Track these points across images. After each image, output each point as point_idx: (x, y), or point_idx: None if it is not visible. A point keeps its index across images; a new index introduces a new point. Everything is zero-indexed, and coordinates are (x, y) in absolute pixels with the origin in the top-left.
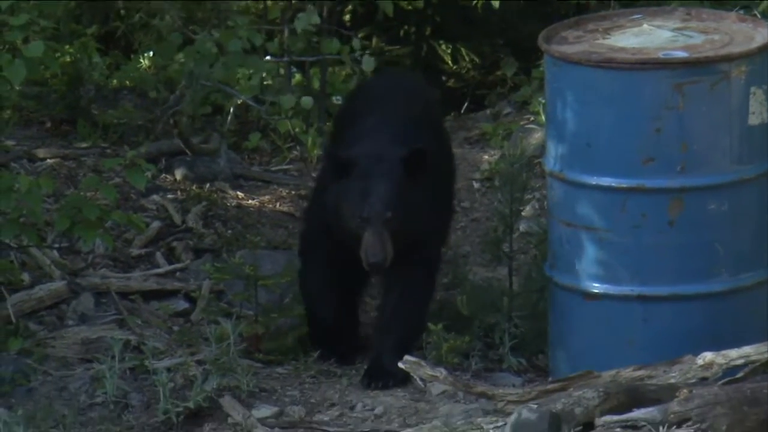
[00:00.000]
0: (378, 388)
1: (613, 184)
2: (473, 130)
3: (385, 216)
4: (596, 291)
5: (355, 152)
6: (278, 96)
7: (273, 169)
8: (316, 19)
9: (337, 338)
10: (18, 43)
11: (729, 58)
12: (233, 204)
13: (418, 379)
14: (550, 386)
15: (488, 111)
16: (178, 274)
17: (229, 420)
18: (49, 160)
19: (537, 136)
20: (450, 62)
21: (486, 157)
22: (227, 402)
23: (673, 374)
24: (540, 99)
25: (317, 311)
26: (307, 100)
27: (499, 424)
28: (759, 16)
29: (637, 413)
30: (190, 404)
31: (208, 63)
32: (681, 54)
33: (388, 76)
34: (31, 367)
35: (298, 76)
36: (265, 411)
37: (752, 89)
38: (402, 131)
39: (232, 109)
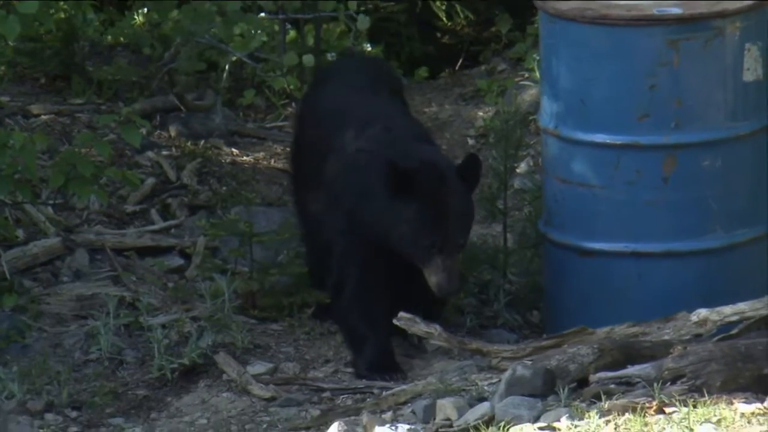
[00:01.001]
0: None
1: (607, 141)
2: (468, 87)
3: (459, 243)
4: (591, 248)
5: (409, 162)
6: (273, 53)
7: (268, 125)
8: None
9: (392, 358)
10: None
11: (723, 15)
12: (228, 160)
13: (413, 335)
14: (544, 343)
15: (483, 67)
16: (172, 230)
17: (224, 376)
18: (43, 117)
19: (531, 93)
20: (445, 19)
21: (480, 113)
22: (222, 358)
23: (668, 331)
24: (535, 56)
25: (376, 340)
26: (309, 58)
27: (494, 380)
28: None
29: (632, 370)
30: (185, 361)
31: (205, 21)
32: (675, 10)
33: (353, 61)
34: (26, 323)
35: (292, 33)
36: (259, 367)
37: (747, 45)
38: (413, 125)
39: (227, 66)
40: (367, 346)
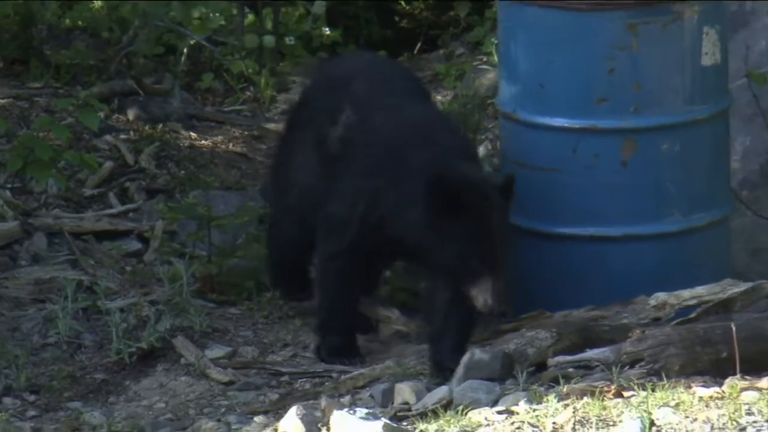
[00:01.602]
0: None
1: (565, 125)
2: (426, 71)
3: (505, 263)
4: (549, 232)
5: (456, 177)
6: (232, 37)
7: (226, 109)
8: None
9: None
10: None
11: None
12: (186, 144)
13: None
14: (503, 327)
15: (441, 51)
16: (130, 214)
17: (182, 360)
18: (1, 101)
19: (490, 77)
20: (403, 3)
21: (439, 97)
22: (180, 342)
23: (626, 315)
24: (493, 39)
25: (341, 325)
26: (270, 40)
27: None
28: None
29: (590, 353)
30: (143, 344)
31: (164, 4)
32: None
33: (361, 58)
34: None
35: (251, 17)
36: (218, 351)
37: (705, 29)
38: (460, 137)
39: (185, 50)
40: (331, 331)
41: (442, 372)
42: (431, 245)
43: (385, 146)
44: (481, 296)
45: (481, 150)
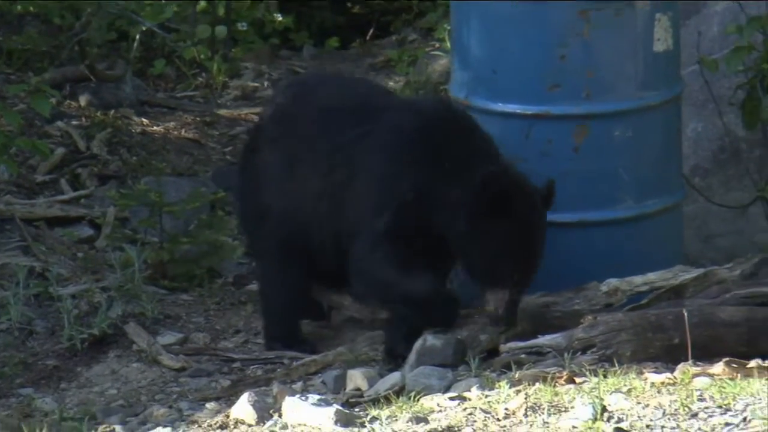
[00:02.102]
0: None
1: (518, 111)
2: (378, 57)
3: (532, 279)
4: None
5: (505, 183)
6: (184, 23)
7: (178, 95)
8: None
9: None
10: None
11: None
12: (138, 130)
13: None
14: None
15: (394, 37)
16: (82, 200)
17: (134, 347)
18: None
19: (442, 63)
20: None
21: (391, 83)
22: (132, 329)
23: (578, 301)
24: (445, 25)
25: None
26: (221, 30)
27: None
28: None
29: (542, 339)
30: (95, 331)
31: None
32: None
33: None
34: None
35: (203, 4)
36: (169, 338)
37: (657, 16)
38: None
39: (137, 36)
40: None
41: (394, 358)
42: (471, 242)
43: (421, 144)
44: (494, 303)
45: None
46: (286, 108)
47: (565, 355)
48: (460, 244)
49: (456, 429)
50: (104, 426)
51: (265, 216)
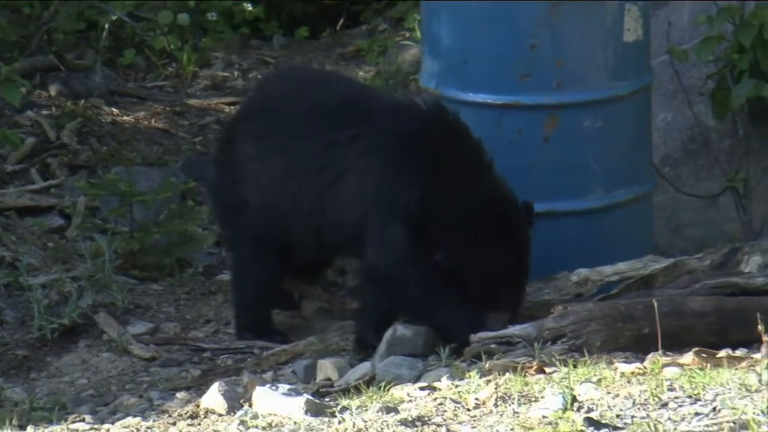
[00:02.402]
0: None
1: (488, 101)
2: (348, 47)
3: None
4: None
5: (503, 206)
6: (153, 13)
7: (148, 85)
8: None
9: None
10: None
11: None
12: (108, 120)
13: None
14: None
15: (364, 27)
16: (52, 190)
17: (104, 336)
18: None
19: (412, 53)
20: None
21: (361, 73)
22: (102, 318)
23: (548, 291)
24: (416, 15)
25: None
26: (184, 17)
27: None
28: None
29: (512, 329)
30: (65, 321)
31: None
32: None
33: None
34: None
35: None
36: (140, 327)
37: (627, 6)
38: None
39: (106, 26)
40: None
41: (364, 348)
42: (470, 263)
43: (419, 149)
44: (494, 324)
45: None
46: (270, 102)
47: (536, 345)
48: (458, 262)
49: (426, 419)
50: (74, 416)
51: (242, 208)
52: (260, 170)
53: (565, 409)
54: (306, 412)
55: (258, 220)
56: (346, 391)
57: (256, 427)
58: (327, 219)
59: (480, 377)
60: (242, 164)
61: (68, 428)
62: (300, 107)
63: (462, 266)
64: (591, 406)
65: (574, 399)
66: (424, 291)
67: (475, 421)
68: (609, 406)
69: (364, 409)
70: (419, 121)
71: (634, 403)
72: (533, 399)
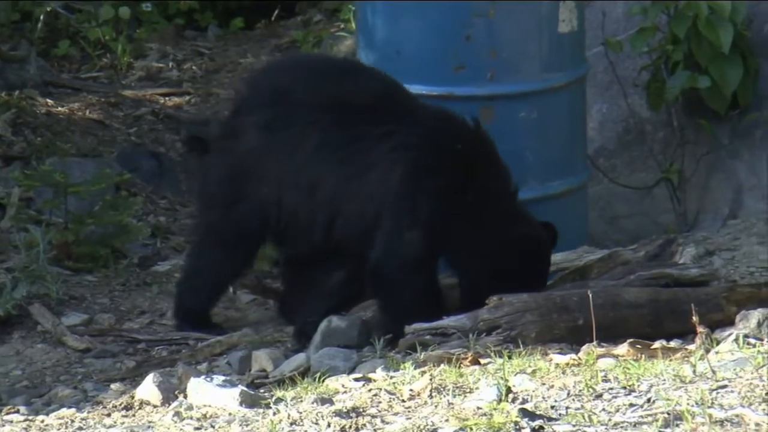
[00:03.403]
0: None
1: (423, 92)
2: (284, 38)
3: None
4: None
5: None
6: (88, 4)
7: (83, 76)
8: None
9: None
10: None
11: None
12: (43, 111)
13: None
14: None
15: (299, 18)
16: None
17: (39, 328)
18: None
19: (347, 44)
20: None
21: None
22: (36, 310)
23: None
24: (350, 6)
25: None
26: (125, 10)
27: None
28: None
29: (447, 320)
30: None
31: None
32: None
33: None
34: None
35: None
36: (74, 318)
37: None
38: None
39: (41, 16)
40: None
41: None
42: (482, 288)
43: (450, 161)
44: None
45: None
46: (284, 92)
47: (470, 336)
48: (473, 286)
49: (361, 410)
50: (8, 407)
51: (238, 201)
52: (272, 163)
53: (499, 401)
54: (241, 404)
55: (255, 216)
56: (281, 383)
57: (191, 418)
58: (342, 212)
59: (415, 368)
60: (244, 159)
61: (2, 420)
62: (325, 98)
63: (477, 290)
64: (526, 398)
65: (508, 390)
66: (420, 301)
67: (409, 412)
68: (544, 397)
69: (299, 400)
70: (460, 132)
71: (568, 394)
72: (468, 390)
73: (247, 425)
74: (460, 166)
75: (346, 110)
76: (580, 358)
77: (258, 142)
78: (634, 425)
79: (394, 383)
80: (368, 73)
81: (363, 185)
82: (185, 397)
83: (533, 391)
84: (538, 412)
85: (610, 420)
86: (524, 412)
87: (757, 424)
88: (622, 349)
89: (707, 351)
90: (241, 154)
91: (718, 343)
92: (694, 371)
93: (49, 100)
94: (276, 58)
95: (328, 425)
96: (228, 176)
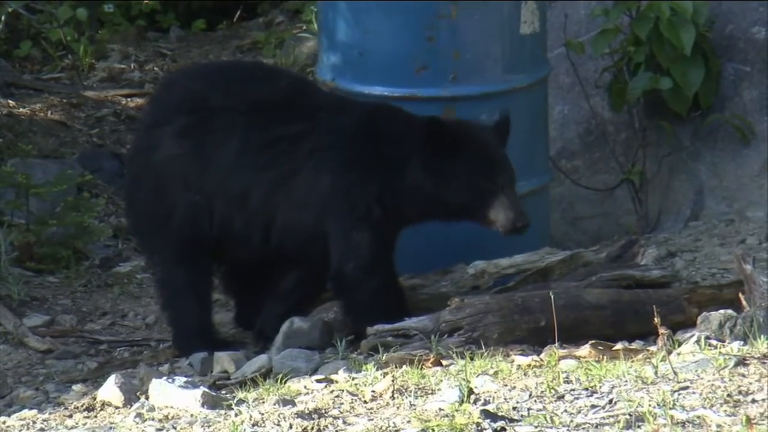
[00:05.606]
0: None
1: (385, 93)
2: (245, 39)
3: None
4: None
5: (453, 125)
6: (50, 5)
7: (44, 77)
8: None
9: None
10: None
11: None
12: (4, 112)
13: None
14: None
15: (261, 19)
16: None
17: (0, 329)
18: None
19: (309, 45)
20: None
21: None
22: None
23: (445, 283)
24: (312, 7)
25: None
26: (82, 12)
27: None
28: None
29: (409, 322)
30: None
31: None
32: None
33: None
34: None
35: None
36: (36, 319)
37: None
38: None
39: (3, 17)
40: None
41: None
42: (439, 186)
43: (370, 146)
44: (502, 213)
45: None
46: (198, 98)
47: (432, 337)
48: (430, 199)
49: (323, 411)
50: None
51: (169, 216)
52: (192, 169)
53: (461, 402)
54: (202, 405)
55: (188, 224)
56: (242, 384)
57: (153, 419)
58: (277, 219)
59: (377, 370)
60: (166, 169)
61: None
62: (240, 102)
63: (437, 199)
64: (488, 399)
65: (470, 391)
66: (381, 301)
67: (371, 413)
68: (505, 399)
69: (260, 401)
70: (364, 116)
71: (530, 395)
72: (430, 391)
73: (208, 426)
74: (371, 147)
75: (261, 111)
76: (542, 360)
77: (177, 150)
78: (596, 426)
79: (356, 384)
80: (278, 73)
81: (292, 191)
82: (147, 398)
83: (495, 393)
84: (500, 414)
85: (572, 421)
86: (486, 414)
87: (718, 426)
88: (584, 350)
89: (669, 352)
90: (162, 163)
91: (679, 345)
92: (656, 372)
93: (10, 101)
94: (186, 66)
95: (290, 426)
96: (154, 188)
